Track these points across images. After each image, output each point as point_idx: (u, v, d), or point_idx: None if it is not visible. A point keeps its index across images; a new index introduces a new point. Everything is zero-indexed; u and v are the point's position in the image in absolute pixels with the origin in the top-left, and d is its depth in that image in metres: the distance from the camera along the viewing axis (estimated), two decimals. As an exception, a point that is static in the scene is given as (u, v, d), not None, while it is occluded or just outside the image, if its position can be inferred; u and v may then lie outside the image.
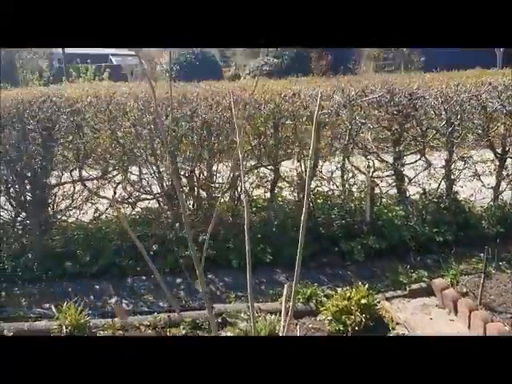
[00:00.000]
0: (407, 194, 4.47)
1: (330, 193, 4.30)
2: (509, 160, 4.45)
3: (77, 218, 4.16)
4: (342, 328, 2.80)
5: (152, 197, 4.24)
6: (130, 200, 4.12)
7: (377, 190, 4.23)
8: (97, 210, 4.14)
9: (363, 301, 2.88)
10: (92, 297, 3.61)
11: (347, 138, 4.11)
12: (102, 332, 2.98)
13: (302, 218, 1.93)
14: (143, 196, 4.25)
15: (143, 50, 37.32)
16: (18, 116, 3.74)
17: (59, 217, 4.13)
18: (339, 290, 3.11)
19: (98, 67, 17.60)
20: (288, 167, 4.24)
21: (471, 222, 4.17)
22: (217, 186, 4.20)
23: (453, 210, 4.19)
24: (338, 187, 4.28)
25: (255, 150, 4.09)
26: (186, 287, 3.74)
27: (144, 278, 3.86)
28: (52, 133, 3.89)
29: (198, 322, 3.09)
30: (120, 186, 4.19)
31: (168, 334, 3.00)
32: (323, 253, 4.03)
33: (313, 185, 4.16)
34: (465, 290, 3.18)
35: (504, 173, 4.47)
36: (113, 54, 33.56)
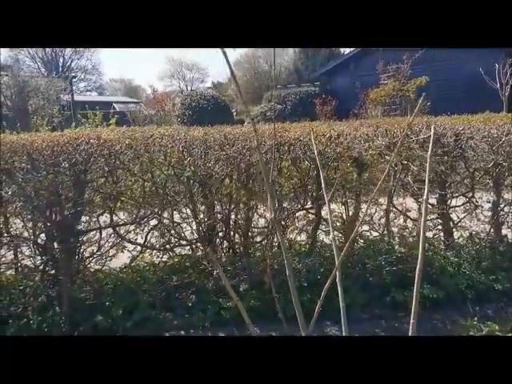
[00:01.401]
0: (455, 239, 4.25)
1: (377, 237, 4.07)
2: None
3: (107, 267, 3.87)
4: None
5: (188, 243, 3.99)
6: (167, 246, 3.85)
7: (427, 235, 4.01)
8: (134, 257, 3.86)
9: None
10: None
11: (392, 180, 3.95)
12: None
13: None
14: (177, 242, 4.01)
15: (147, 97, 38.43)
16: (51, 159, 3.56)
17: (89, 265, 3.83)
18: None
19: (105, 113, 17.89)
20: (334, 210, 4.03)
21: (530, 267, 3.92)
22: (256, 230, 3.97)
23: (509, 255, 3.95)
24: (384, 232, 4.06)
25: (297, 193, 3.90)
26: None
27: (183, 333, 3.53)
28: (86, 176, 3.70)
29: None
30: (153, 231, 3.95)
31: None
32: (374, 303, 3.75)
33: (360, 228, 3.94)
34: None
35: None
36: (116, 102, 34.58)
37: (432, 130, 1.62)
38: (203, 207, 3.77)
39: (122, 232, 3.90)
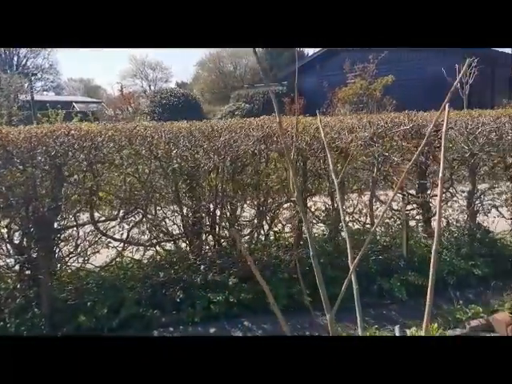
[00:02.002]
0: (432, 227, 4.39)
1: (361, 228, 4.13)
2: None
3: (90, 265, 3.70)
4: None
5: (173, 238, 3.88)
6: (153, 241, 3.73)
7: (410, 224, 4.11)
8: (118, 254, 3.70)
9: (439, 341, 2.64)
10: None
11: (375, 171, 4.02)
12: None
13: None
14: (163, 237, 3.90)
15: (108, 97, 37.47)
16: (28, 152, 3.36)
17: (69, 264, 3.65)
18: (407, 331, 2.85)
19: (66, 113, 17.27)
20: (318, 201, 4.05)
21: (505, 253, 4.10)
22: (243, 223, 3.93)
23: (485, 241, 4.12)
24: (369, 221, 4.12)
25: (284, 185, 3.89)
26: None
27: (171, 329, 3.43)
28: (65, 169, 3.53)
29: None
30: (137, 226, 3.82)
31: None
32: (361, 292, 3.79)
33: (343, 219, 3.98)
34: (530, 323, 3.01)
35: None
36: (76, 101, 33.41)
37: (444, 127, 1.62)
38: (189, 201, 3.68)
39: (104, 228, 3.75)
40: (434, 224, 4.41)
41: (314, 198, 4.05)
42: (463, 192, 4.48)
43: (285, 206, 3.96)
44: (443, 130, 1.77)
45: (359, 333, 1.90)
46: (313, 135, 3.68)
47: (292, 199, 4.00)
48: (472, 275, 3.90)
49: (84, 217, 3.76)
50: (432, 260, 1.73)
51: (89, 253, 3.65)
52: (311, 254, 1.52)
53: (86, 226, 3.76)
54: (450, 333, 3.12)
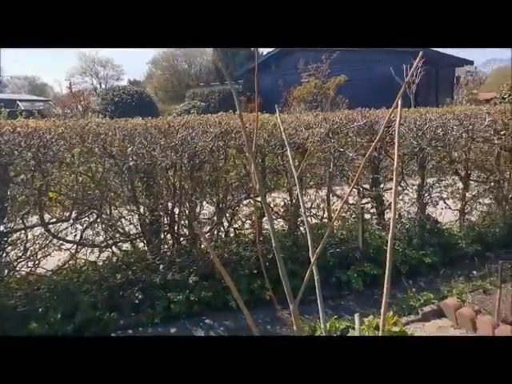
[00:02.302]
0: (385, 219, 4.57)
1: (318, 222, 4.21)
2: (471, 184, 4.79)
3: (41, 269, 3.52)
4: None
5: (129, 238, 3.78)
6: (109, 242, 3.60)
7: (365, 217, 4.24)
8: (73, 256, 3.54)
9: (395, 329, 2.75)
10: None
11: (332, 166, 4.12)
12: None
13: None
14: (119, 238, 3.78)
15: (56, 95, 35.77)
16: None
17: (19, 269, 3.45)
18: (365, 319, 2.94)
19: (10, 111, 16.30)
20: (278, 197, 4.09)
21: (452, 242, 4.34)
22: (203, 221, 3.88)
23: (435, 232, 4.34)
24: (327, 216, 4.22)
25: (243, 182, 3.89)
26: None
27: (130, 331, 3.34)
28: (11, 169, 3.33)
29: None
30: (91, 227, 3.67)
31: None
32: (321, 284, 3.87)
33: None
34: (476, 307, 3.21)
35: (468, 195, 4.79)
36: (20, 100, 31.61)
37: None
38: (147, 199, 3.60)
39: (56, 230, 3.57)
40: (388, 216, 4.58)
41: (272, 194, 4.09)
42: (413, 185, 4.69)
43: (244, 202, 3.97)
44: (396, 124, 1.84)
45: (321, 323, 1.94)
46: (270, 132, 3.70)
47: (251, 196, 4.02)
48: (423, 264, 4.10)
49: (33, 219, 3.57)
50: (388, 249, 1.79)
51: (39, 256, 3.47)
52: (274, 245, 1.53)
53: (36, 229, 3.57)
54: (404, 320, 3.26)
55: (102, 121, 3.57)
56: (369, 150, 1.52)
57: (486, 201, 4.98)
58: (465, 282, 3.81)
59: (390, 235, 1.69)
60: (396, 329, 2.75)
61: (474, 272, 3.88)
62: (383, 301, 1.72)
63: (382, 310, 1.66)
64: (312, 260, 1.62)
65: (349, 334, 2.96)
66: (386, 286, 1.67)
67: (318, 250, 1.47)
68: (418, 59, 1.60)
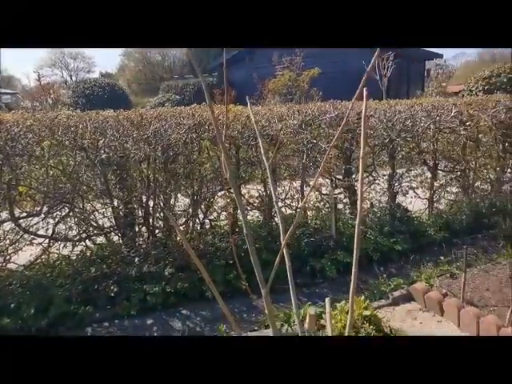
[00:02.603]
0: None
1: (293, 212, 4.28)
2: (439, 173, 4.96)
3: (7, 263, 3.45)
4: (352, 343, 2.71)
5: (103, 232, 3.75)
6: (83, 235, 3.57)
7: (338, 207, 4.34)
8: (45, 250, 3.49)
9: (366, 312, 2.85)
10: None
11: (305, 158, 4.19)
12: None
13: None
14: (93, 231, 3.74)
15: (24, 88, 34.50)
16: None
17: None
18: (338, 304, 3.04)
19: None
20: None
21: (421, 229, 4.50)
22: (178, 213, 3.89)
23: (404, 220, 4.48)
24: (300, 206, 4.29)
25: (218, 173, 3.91)
26: (159, 328, 3.30)
27: (106, 324, 3.33)
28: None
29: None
30: (64, 221, 3.62)
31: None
32: (295, 273, 3.95)
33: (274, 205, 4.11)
34: (444, 291, 3.35)
35: (436, 184, 4.96)
36: (-14, 92, 30.41)
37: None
38: (120, 192, 3.57)
39: (27, 225, 3.51)
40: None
41: (247, 186, 4.13)
42: (384, 176, 4.82)
43: (219, 194, 3.99)
44: (363, 111, 1.90)
45: (293, 309, 1.99)
46: (244, 123, 3.73)
47: (226, 187, 4.05)
48: (394, 251, 4.24)
49: (3, 214, 3.50)
50: (356, 235, 1.86)
51: (10, 251, 3.40)
52: (245, 232, 1.57)
53: (6, 224, 3.50)
54: (375, 304, 3.38)
55: (73, 113, 3.51)
56: (334, 139, 1.58)
57: (454, 189, 5.18)
58: (433, 267, 3.96)
59: (357, 220, 1.76)
60: (367, 312, 2.85)
61: (442, 258, 4.03)
62: (351, 284, 1.79)
63: (350, 293, 1.73)
64: (282, 242, 1.67)
65: (322, 322, 3.06)
66: (353, 270, 1.75)
67: (288, 233, 1.52)
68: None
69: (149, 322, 3.36)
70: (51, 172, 3.47)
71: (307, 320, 2.67)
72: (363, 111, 1.89)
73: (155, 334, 3.19)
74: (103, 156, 3.32)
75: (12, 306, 3.25)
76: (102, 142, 3.26)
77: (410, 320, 3.23)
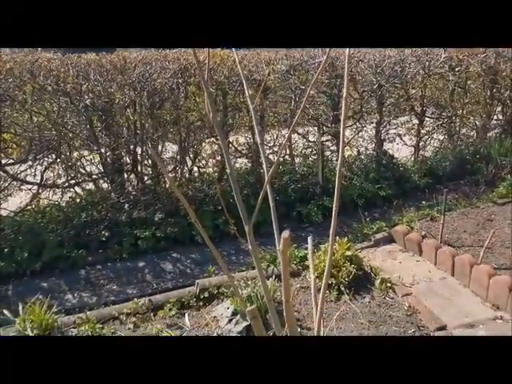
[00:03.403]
0: (346, 156, 4.74)
1: (280, 159, 4.32)
2: (426, 120, 4.99)
3: (3, 211, 3.50)
4: (334, 281, 2.87)
5: (92, 178, 3.77)
6: (71, 182, 3.59)
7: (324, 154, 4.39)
8: (35, 196, 3.52)
9: (348, 253, 2.99)
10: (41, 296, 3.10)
11: (293, 104, 4.16)
12: (74, 330, 2.59)
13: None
14: (81, 178, 3.76)
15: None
16: None
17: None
18: (322, 246, 3.17)
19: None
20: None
21: (406, 176, 4.59)
22: (166, 160, 3.91)
23: (390, 167, 4.56)
24: (288, 153, 4.33)
25: (205, 121, 3.89)
26: (151, 270, 3.43)
27: (99, 267, 3.45)
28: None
29: (183, 300, 2.86)
30: (51, 168, 3.63)
31: (154, 317, 2.74)
32: (282, 218, 4.07)
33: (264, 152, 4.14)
34: (423, 233, 3.50)
35: (423, 131, 5.00)
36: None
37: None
38: (107, 138, 3.56)
39: (15, 172, 3.51)
40: (347, 153, 4.75)
41: (235, 135, 4.13)
42: (372, 123, 4.84)
43: (207, 141, 3.99)
44: (346, 53, 1.89)
45: (278, 247, 2.07)
46: (231, 68, 3.66)
47: (214, 135, 4.04)
48: (378, 196, 4.36)
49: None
50: (337, 178, 1.92)
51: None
52: (228, 172, 1.61)
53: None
54: (358, 246, 3.53)
55: (53, 56, 3.40)
56: (313, 80, 1.58)
57: (440, 137, 5.23)
58: (415, 211, 4.10)
59: (339, 161, 1.82)
60: (349, 253, 2.99)
61: (424, 202, 4.16)
62: (332, 222, 1.87)
63: (330, 230, 1.82)
64: (266, 179, 1.72)
65: (306, 263, 3.19)
66: (334, 208, 1.83)
67: (271, 170, 1.57)
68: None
69: (141, 264, 3.49)
70: (35, 118, 3.42)
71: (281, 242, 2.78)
72: (347, 51, 1.88)
73: (147, 277, 3.33)
74: (87, 101, 3.27)
75: (5, 250, 3.34)
76: (85, 86, 3.20)
77: (391, 260, 3.40)
